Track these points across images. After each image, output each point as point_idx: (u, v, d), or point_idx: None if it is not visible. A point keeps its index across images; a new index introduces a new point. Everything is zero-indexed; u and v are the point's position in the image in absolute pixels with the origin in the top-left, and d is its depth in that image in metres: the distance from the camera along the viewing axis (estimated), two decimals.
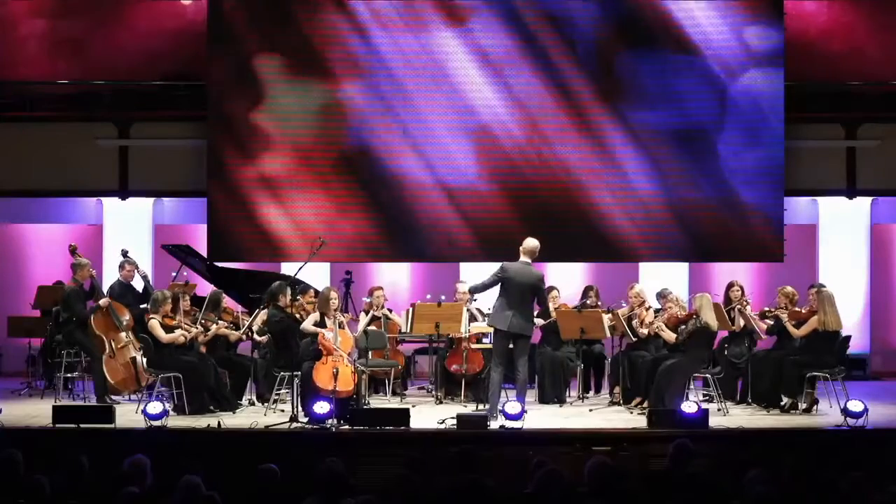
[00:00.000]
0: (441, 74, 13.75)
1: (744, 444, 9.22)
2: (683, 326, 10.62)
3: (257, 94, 13.80)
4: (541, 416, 10.39)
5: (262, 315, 11.27)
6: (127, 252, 12.04)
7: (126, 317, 11.41)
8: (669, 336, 10.75)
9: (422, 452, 8.48)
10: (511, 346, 10.23)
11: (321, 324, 10.41)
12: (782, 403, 10.79)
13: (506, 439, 9.25)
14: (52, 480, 6.49)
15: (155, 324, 10.62)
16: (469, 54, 13.76)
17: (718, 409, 10.56)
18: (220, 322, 11.24)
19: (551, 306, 11.78)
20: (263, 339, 11.42)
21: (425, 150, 13.79)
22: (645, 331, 11.28)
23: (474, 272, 12.96)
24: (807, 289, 11.42)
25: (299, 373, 10.25)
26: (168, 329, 10.69)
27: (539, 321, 11.62)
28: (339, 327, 10.40)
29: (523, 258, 10.27)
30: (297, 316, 10.71)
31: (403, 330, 11.97)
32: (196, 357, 10.79)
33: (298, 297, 10.91)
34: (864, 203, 14.64)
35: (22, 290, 14.52)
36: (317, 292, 11.16)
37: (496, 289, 10.31)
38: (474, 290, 10.76)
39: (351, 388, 10.10)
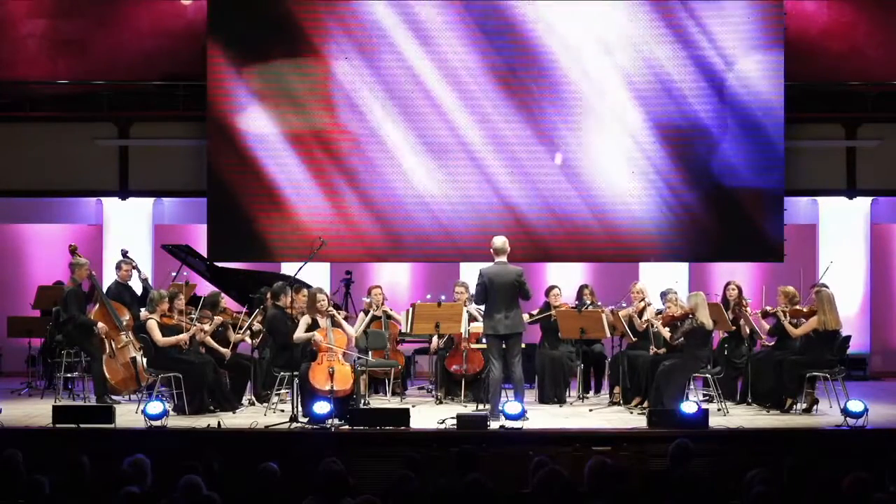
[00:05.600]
0: (441, 75, 13.76)
1: (744, 444, 9.22)
2: (678, 325, 10.62)
3: (257, 94, 13.80)
4: (541, 416, 10.39)
5: (261, 316, 11.30)
6: (127, 252, 12.03)
7: (126, 317, 11.42)
8: (666, 332, 10.75)
9: (422, 452, 8.48)
10: (504, 345, 10.28)
11: (314, 326, 10.38)
12: (786, 407, 10.76)
13: (506, 439, 9.24)
14: (52, 480, 6.50)
15: (153, 325, 10.59)
16: (467, 55, 13.77)
17: (718, 409, 10.56)
18: (216, 319, 11.21)
19: (553, 304, 11.86)
20: (256, 341, 11.43)
21: (427, 150, 13.80)
22: (643, 324, 11.29)
23: (475, 272, 12.93)
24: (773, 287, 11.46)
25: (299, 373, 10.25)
26: (166, 328, 10.67)
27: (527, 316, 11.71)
28: (333, 325, 10.38)
29: (498, 259, 10.30)
30: (296, 317, 10.69)
31: (403, 330, 11.97)
32: (195, 357, 10.79)
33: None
34: (863, 203, 14.65)
35: (22, 290, 14.54)
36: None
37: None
38: (478, 303, 10.79)
39: (349, 387, 10.08)
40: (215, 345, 11.17)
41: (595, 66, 13.78)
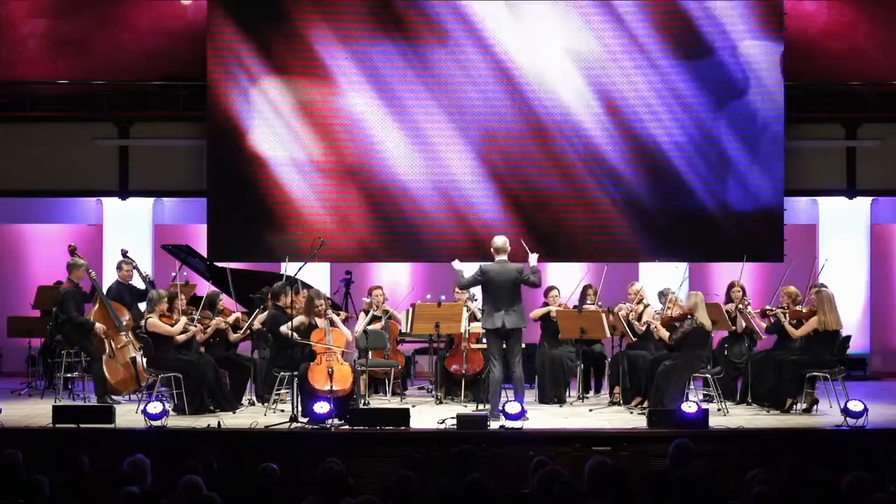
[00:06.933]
0: (440, 76, 13.76)
1: (744, 444, 9.22)
2: (677, 325, 10.62)
3: (257, 94, 13.79)
4: (541, 416, 10.39)
5: (262, 315, 11.29)
6: (127, 252, 12.03)
7: (126, 317, 11.42)
8: (664, 334, 10.76)
9: (422, 452, 8.49)
10: (504, 344, 10.28)
11: (311, 328, 10.36)
12: (786, 407, 10.76)
13: (506, 439, 9.24)
14: (52, 480, 6.50)
15: (156, 321, 10.60)
16: (466, 57, 13.76)
17: (718, 409, 10.57)
18: (217, 318, 11.22)
19: (552, 305, 11.87)
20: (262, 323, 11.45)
21: (425, 151, 13.79)
22: (642, 327, 11.30)
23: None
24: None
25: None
26: None
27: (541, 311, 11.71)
28: (331, 325, 10.37)
29: (498, 257, 10.32)
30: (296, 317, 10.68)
31: (403, 330, 11.97)
32: (195, 356, 10.79)
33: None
34: (864, 203, 14.64)
35: (22, 290, 14.55)
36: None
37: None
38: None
39: (348, 386, 10.09)
40: (226, 327, 11.28)
41: (596, 66, 13.77)
